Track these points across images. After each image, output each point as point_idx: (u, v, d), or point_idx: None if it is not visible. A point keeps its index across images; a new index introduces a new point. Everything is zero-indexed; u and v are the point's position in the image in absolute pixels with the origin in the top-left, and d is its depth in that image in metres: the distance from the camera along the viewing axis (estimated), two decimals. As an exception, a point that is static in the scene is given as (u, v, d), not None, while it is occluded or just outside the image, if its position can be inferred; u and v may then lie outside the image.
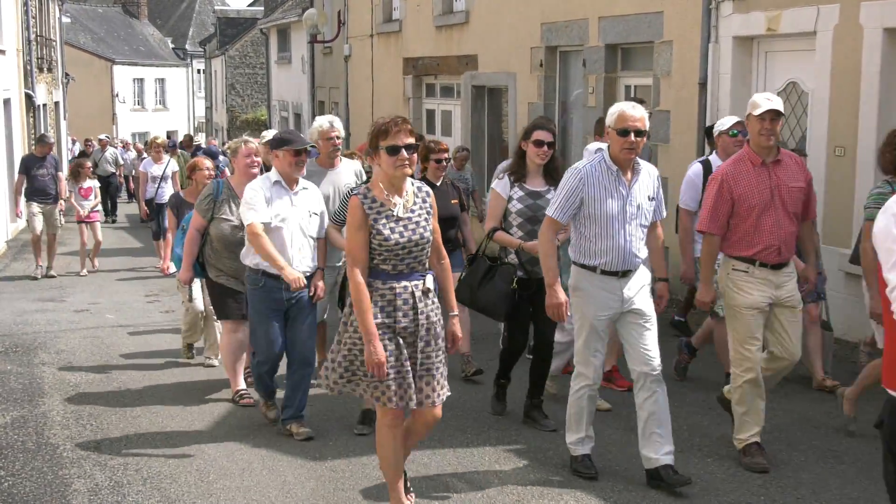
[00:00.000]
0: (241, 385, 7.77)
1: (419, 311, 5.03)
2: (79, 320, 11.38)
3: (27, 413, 7.60)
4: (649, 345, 5.76)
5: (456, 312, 5.32)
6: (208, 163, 9.38)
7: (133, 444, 6.80)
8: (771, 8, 9.73)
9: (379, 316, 4.96)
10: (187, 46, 57.10)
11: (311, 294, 6.79)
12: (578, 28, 13.02)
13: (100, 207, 15.70)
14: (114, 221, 23.95)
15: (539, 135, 6.70)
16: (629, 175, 5.73)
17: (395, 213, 4.98)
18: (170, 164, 15.52)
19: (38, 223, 14.84)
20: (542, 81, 14.10)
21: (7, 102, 20.79)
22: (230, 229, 7.38)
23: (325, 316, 7.94)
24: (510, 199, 6.76)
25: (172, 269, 9.13)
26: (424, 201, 5.15)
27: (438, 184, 8.08)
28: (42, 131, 26.70)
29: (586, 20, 12.81)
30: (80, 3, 54.96)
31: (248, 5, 54.45)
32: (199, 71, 56.55)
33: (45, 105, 27.16)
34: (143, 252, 17.80)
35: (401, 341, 5.00)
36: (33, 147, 25.67)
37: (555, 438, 6.71)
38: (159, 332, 10.63)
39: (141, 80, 53.25)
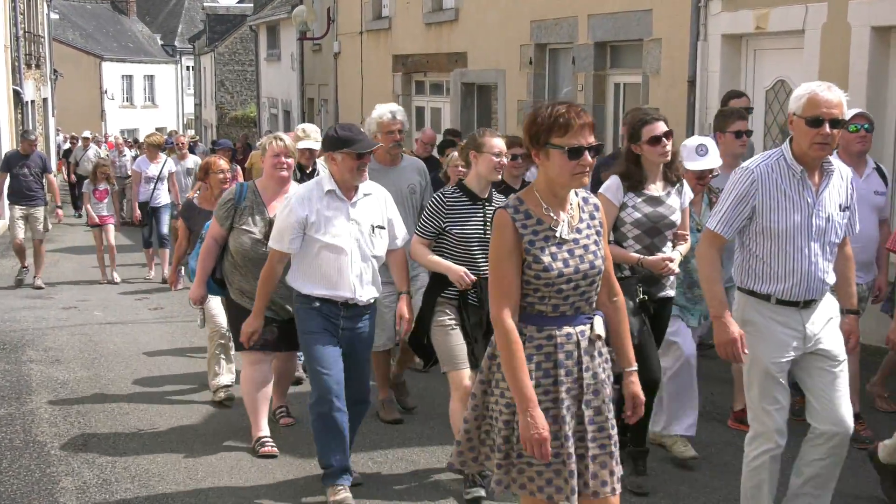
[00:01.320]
0: (264, 430, 6.51)
1: (584, 366, 3.78)
2: (66, 317, 11.35)
3: (14, 411, 7.57)
4: (840, 397, 4.56)
5: (634, 368, 4.05)
6: (223, 163, 8.29)
7: (121, 442, 6.78)
8: (759, 6, 9.75)
9: (534, 375, 3.71)
10: (176, 43, 56.98)
11: (397, 327, 5.82)
12: (568, 26, 13.03)
13: (110, 210, 14.52)
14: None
15: (653, 129, 5.44)
16: (817, 178, 4.51)
17: (557, 235, 3.76)
18: (166, 164, 14.26)
19: (20, 228, 13.56)
20: (532, 79, 14.10)
21: (-5, 99, 20.71)
22: (251, 243, 6.24)
23: (389, 342, 7.03)
24: (623, 206, 5.48)
25: (183, 283, 8.34)
26: (593, 217, 3.89)
27: (517, 188, 6.90)
28: (30, 128, 26.59)
29: (575, 18, 12.82)
30: (69, -1, 54.75)
31: (238, 2, 54.29)
32: (188, 68, 56.40)
33: (33, 102, 27.06)
34: (128, 259, 16.29)
35: (563, 410, 3.75)
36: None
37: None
38: (147, 330, 10.61)
39: (130, 77, 53.11)
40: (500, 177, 5.41)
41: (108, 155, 26.45)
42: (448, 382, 5.63)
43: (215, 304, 7.43)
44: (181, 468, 6.27)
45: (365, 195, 5.61)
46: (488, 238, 4.64)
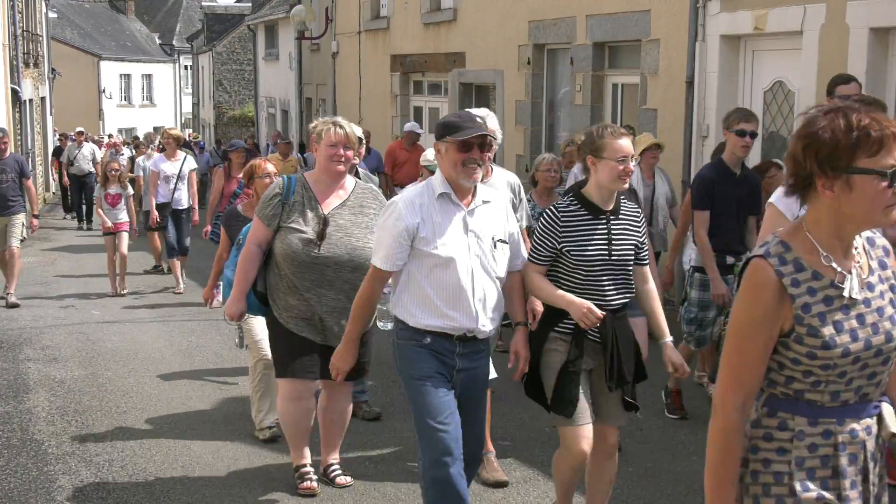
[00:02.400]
0: (306, 458, 5.79)
1: (870, 477, 2.71)
2: (64, 316, 11.35)
3: (12, 409, 7.57)
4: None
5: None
6: (271, 166, 7.05)
7: (118, 441, 6.78)
8: (758, 7, 9.76)
9: (811, 486, 2.65)
10: (174, 42, 56.90)
11: (511, 366, 4.69)
12: (566, 26, 13.03)
13: (127, 218, 13.11)
14: (89, 228, 21.25)
15: None
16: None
17: (845, 295, 2.64)
18: (186, 162, 13.06)
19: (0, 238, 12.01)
20: (530, 79, 14.10)
21: (-7, 97, 20.69)
22: (302, 244, 5.31)
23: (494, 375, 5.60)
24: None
25: (220, 298, 7.13)
26: (884, 266, 2.77)
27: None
28: (29, 127, 26.50)
29: (574, 18, 12.82)
30: (67, -2, 54.71)
31: (236, 1, 54.25)
32: (186, 67, 56.34)
33: (31, 100, 27.01)
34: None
35: None
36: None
37: (539, 437, 6.72)
38: (145, 329, 10.60)
39: (128, 76, 53.04)
40: (626, 185, 4.60)
41: (106, 154, 26.00)
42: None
43: (260, 328, 6.35)
44: (178, 467, 6.27)
45: (484, 202, 4.58)
46: (615, 259, 4.56)
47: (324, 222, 5.35)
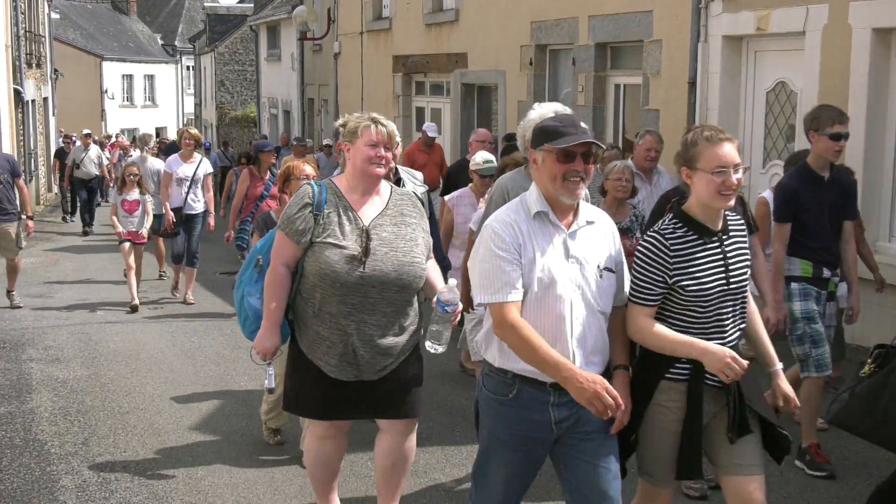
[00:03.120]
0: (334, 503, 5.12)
1: None
2: (67, 316, 11.35)
3: (15, 409, 7.58)
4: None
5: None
6: (308, 168, 6.21)
7: (121, 441, 6.79)
8: (760, 7, 9.76)
9: None
10: (177, 43, 56.95)
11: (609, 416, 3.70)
12: (568, 26, 13.03)
13: (145, 228, 12.11)
14: (86, 234, 20.56)
15: None
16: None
17: None
18: (202, 165, 12.19)
19: None
20: (532, 80, 14.11)
21: (-5, 98, 20.72)
22: (345, 263, 4.46)
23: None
24: None
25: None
26: None
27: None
28: (31, 128, 26.49)
29: (576, 19, 12.82)
30: (69, -2, 54.78)
31: (238, 2, 54.33)
32: (188, 67, 56.38)
33: (33, 101, 27.04)
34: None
35: None
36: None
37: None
38: (147, 329, 10.60)
39: (130, 77, 53.06)
40: (729, 203, 3.82)
41: (111, 156, 25.08)
42: None
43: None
44: (180, 467, 6.28)
45: (588, 223, 3.86)
46: (734, 287, 3.87)
47: (366, 236, 4.51)
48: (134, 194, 12.00)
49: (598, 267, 3.78)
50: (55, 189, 28.33)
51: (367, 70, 20.78)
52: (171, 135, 39.15)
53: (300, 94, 27.51)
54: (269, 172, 10.98)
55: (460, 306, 4.38)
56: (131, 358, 9.24)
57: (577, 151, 3.67)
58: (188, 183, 12.00)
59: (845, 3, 8.76)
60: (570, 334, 3.69)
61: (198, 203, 12.14)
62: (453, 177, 10.27)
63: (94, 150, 21.87)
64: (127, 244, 11.87)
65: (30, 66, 26.31)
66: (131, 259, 11.84)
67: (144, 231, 12.03)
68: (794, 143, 9.69)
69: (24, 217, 11.55)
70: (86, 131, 22.98)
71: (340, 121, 4.78)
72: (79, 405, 7.67)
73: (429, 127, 14.15)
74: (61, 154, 24.04)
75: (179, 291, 12.46)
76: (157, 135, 39.41)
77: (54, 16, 35.93)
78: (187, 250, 12.25)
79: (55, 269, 15.43)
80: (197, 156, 12.23)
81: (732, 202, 3.81)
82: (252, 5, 40.76)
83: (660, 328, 3.82)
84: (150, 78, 54.58)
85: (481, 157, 7.79)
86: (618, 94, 12.62)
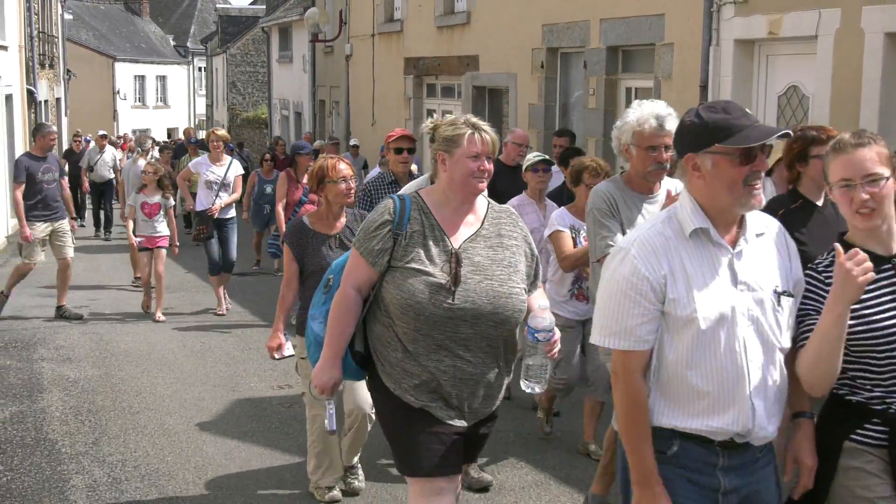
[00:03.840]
0: None
1: None
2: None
3: (26, 408, 7.61)
4: None
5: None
6: (345, 168, 5.64)
7: (131, 441, 6.81)
8: (772, 11, 9.74)
9: None
10: (189, 44, 57.13)
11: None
12: (580, 30, 13.03)
13: (166, 231, 11.45)
14: (107, 238, 19.93)
15: None
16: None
17: None
18: (232, 167, 11.27)
19: (38, 251, 11.12)
20: (543, 83, 14.10)
21: (9, 98, 20.81)
22: (430, 293, 3.75)
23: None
24: None
25: (289, 350, 5.78)
26: None
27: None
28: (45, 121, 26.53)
29: (587, 22, 12.81)
30: (83, 0, 55.02)
31: (250, 3, 54.49)
32: (200, 69, 56.53)
33: (46, 101, 27.14)
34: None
35: None
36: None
37: (551, 441, 6.73)
38: (158, 329, 10.62)
39: (142, 78, 53.23)
40: (868, 223, 3.13)
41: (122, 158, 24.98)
42: None
43: (360, 386, 5.35)
44: (190, 468, 6.29)
45: (757, 235, 3.13)
46: None
47: (456, 261, 3.79)
48: (156, 197, 11.25)
49: (775, 291, 3.07)
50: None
51: (378, 72, 20.80)
52: (181, 135, 39.24)
53: (311, 96, 27.54)
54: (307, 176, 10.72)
55: (557, 333, 3.79)
56: (142, 358, 9.27)
57: (759, 151, 2.99)
58: (218, 186, 11.15)
59: (858, 7, 8.74)
60: (748, 380, 2.98)
61: (230, 207, 11.43)
62: (499, 181, 9.56)
63: (109, 152, 20.80)
64: (144, 254, 11.28)
65: (43, 66, 26.41)
66: (147, 270, 11.36)
67: (163, 239, 11.28)
68: (805, 147, 9.66)
69: (69, 217, 11.53)
70: (101, 132, 21.79)
71: (429, 124, 4.11)
72: (90, 405, 7.70)
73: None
74: (69, 155, 22.03)
75: (221, 306, 11.54)
76: (169, 135, 39.52)
77: (67, 17, 36.07)
78: (224, 259, 11.39)
79: (67, 269, 15.45)
80: (226, 157, 11.35)
81: (869, 223, 3.10)
82: (264, 7, 40.85)
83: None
84: (162, 79, 54.75)
85: (532, 156, 7.37)
86: (629, 98, 12.59)
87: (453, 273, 3.77)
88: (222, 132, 11.60)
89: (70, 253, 11.31)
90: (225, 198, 11.18)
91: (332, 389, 3.99)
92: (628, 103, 12.54)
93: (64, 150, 24.91)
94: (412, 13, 18.86)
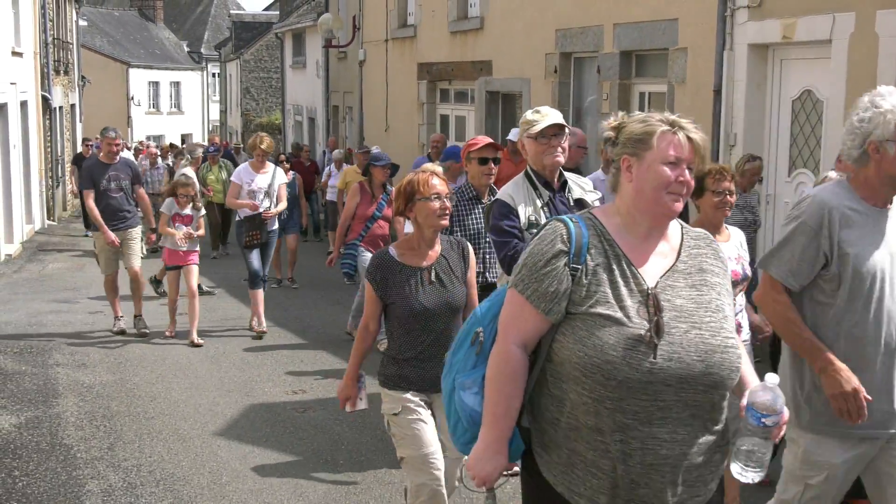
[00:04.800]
0: None
1: None
2: (93, 322, 11.43)
3: (41, 414, 7.64)
4: None
5: None
6: (439, 183, 4.66)
7: (146, 446, 6.83)
8: (786, 16, 9.72)
9: None
10: (202, 50, 57.35)
11: None
12: (593, 34, 13.02)
13: (197, 246, 10.68)
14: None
15: None
16: None
17: None
18: (276, 176, 10.60)
19: (115, 260, 10.65)
20: (557, 88, 14.10)
21: (24, 104, 20.93)
22: (624, 348, 2.79)
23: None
24: None
25: (362, 404, 4.86)
26: None
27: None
28: (59, 134, 26.68)
29: (601, 27, 12.81)
30: (97, 6, 55.21)
31: (264, 9, 54.63)
32: (214, 74, 56.76)
33: (61, 107, 27.28)
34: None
35: None
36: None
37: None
38: (173, 335, 10.65)
39: (156, 84, 53.43)
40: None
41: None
42: None
43: (413, 430, 4.59)
44: (205, 472, 6.31)
45: None
46: None
47: (654, 304, 2.83)
48: (187, 209, 10.53)
49: None
50: (75, 194, 26.12)
51: (391, 77, 20.83)
52: (197, 139, 39.32)
53: (325, 102, 27.59)
54: (382, 189, 9.80)
55: (786, 415, 2.88)
56: (157, 363, 9.30)
57: None
58: (261, 195, 10.43)
59: (872, 11, 8.72)
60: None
61: (274, 218, 10.73)
62: None
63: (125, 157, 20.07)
64: (174, 272, 10.54)
65: (57, 72, 26.55)
66: (176, 290, 10.57)
67: (194, 255, 10.54)
68: (819, 151, 9.65)
69: (148, 228, 10.99)
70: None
71: (613, 121, 3.12)
72: (105, 410, 7.73)
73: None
74: (80, 159, 20.87)
75: (256, 322, 10.70)
76: (183, 141, 39.63)
77: (82, 23, 36.27)
78: (250, 268, 10.67)
79: (80, 274, 15.53)
80: (269, 165, 10.63)
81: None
82: (278, 13, 41.01)
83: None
84: (176, 85, 54.94)
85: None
86: (642, 103, 12.59)
87: (654, 321, 2.80)
88: (268, 142, 10.65)
89: (135, 263, 10.65)
90: (280, 206, 10.61)
91: (494, 480, 3.03)
92: (642, 108, 12.56)
93: (73, 155, 24.72)
94: (426, 18, 18.88)
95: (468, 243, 4.85)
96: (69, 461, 6.53)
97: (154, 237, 10.96)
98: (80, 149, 26.05)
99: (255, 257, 10.51)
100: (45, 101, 23.86)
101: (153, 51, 54.48)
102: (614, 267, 2.88)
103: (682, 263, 2.96)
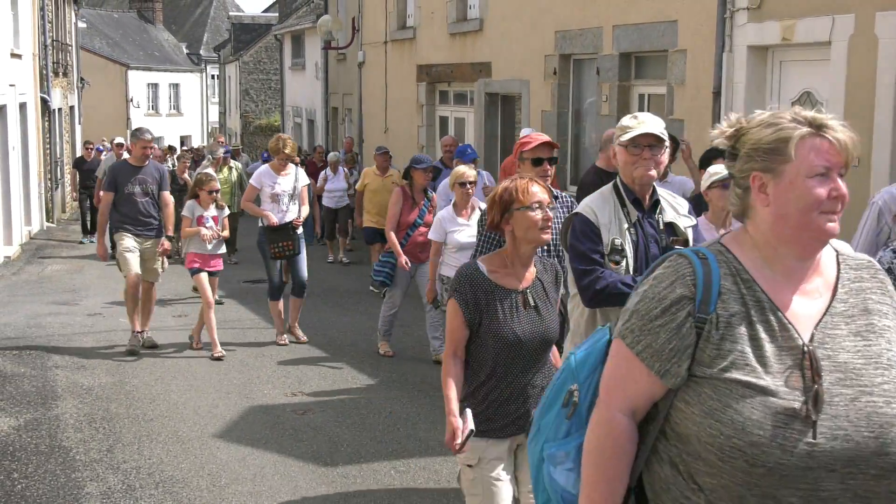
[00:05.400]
0: None
1: None
2: (92, 324, 11.42)
3: (40, 416, 7.63)
4: None
5: None
6: (539, 191, 4.04)
7: (145, 448, 6.82)
8: (786, 17, 9.72)
9: None
10: (202, 52, 57.34)
11: None
12: (592, 36, 13.02)
13: (221, 248, 10.07)
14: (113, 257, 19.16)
15: None
16: None
17: None
18: (300, 177, 10.00)
19: (136, 261, 9.76)
20: (556, 89, 14.10)
21: (23, 106, 20.92)
22: (771, 420, 2.15)
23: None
24: None
25: (470, 423, 3.92)
26: None
27: None
28: (58, 136, 26.69)
29: (600, 28, 12.81)
30: (96, 8, 55.26)
31: (263, 11, 54.65)
32: (213, 76, 56.74)
33: (60, 109, 27.28)
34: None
35: None
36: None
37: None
38: (172, 337, 10.65)
39: (155, 86, 53.41)
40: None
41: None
42: None
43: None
44: (204, 475, 6.30)
45: None
46: None
47: (812, 365, 2.21)
48: (212, 211, 9.86)
49: None
50: (73, 198, 25.68)
51: (391, 79, 20.83)
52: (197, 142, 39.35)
53: (324, 103, 27.61)
54: (423, 194, 9.52)
55: None
56: (156, 365, 9.29)
57: None
58: (285, 198, 9.82)
59: (872, 13, 8.72)
60: None
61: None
62: (589, 190, 8.27)
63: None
64: (204, 275, 9.72)
65: (56, 74, 26.55)
66: (210, 293, 9.73)
67: (218, 260, 9.95)
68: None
69: (164, 236, 10.04)
70: (118, 140, 19.47)
71: (726, 125, 2.52)
72: (104, 412, 7.72)
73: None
74: (80, 163, 20.80)
75: (281, 336, 10.24)
76: (182, 143, 39.65)
77: (81, 25, 36.28)
78: (295, 280, 10.17)
79: (80, 276, 15.52)
80: (291, 167, 9.97)
81: None
82: (277, 14, 41.02)
83: None
84: (176, 87, 54.93)
85: (714, 170, 5.55)
86: (642, 104, 12.59)
87: (813, 389, 2.16)
88: (292, 145, 9.93)
89: (152, 277, 9.99)
90: (295, 211, 9.90)
91: None
92: (641, 110, 12.57)
93: (75, 158, 23.92)
94: (425, 20, 18.89)
95: (559, 266, 4.32)
96: (68, 463, 6.52)
97: (168, 245, 10.12)
98: (80, 152, 26.09)
99: (275, 269, 10.04)
100: (44, 103, 23.86)
101: (152, 52, 54.48)
102: (755, 317, 2.25)
103: (841, 303, 2.31)
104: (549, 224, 3.97)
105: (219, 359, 9.42)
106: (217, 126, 53.48)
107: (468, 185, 8.38)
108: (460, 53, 17.33)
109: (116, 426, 7.35)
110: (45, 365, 9.32)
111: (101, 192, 10.09)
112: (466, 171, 8.49)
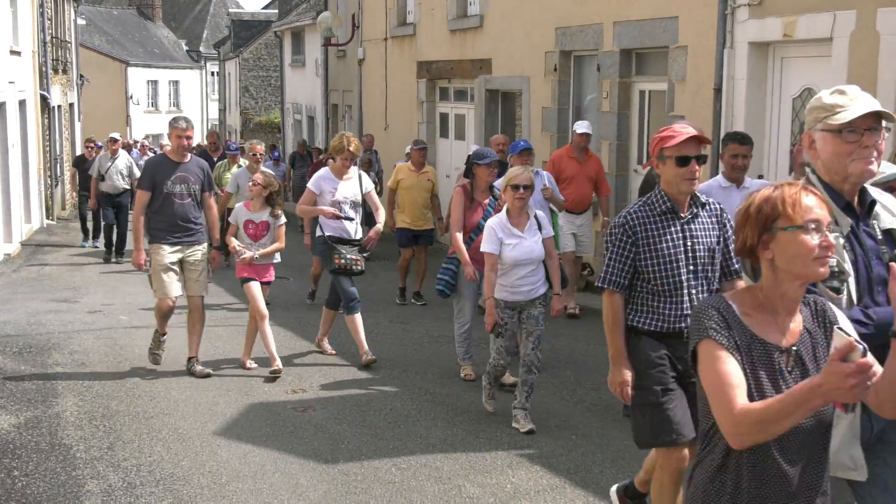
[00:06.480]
0: None
1: None
2: (92, 321, 11.41)
3: (41, 413, 7.61)
4: None
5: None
6: (815, 204, 2.74)
7: (146, 446, 6.81)
8: (787, 14, 9.70)
9: None
10: (201, 48, 57.32)
11: None
12: (593, 32, 13.01)
13: (278, 257, 9.07)
14: (119, 262, 16.48)
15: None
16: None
17: None
18: (364, 181, 9.14)
19: (175, 282, 8.64)
20: (556, 86, 14.09)
21: (22, 104, 20.91)
22: None
23: None
24: None
25: None
26: None
27: None
28: (57, 133, 26.67)
29: (601, 25, 12.80)
30: (95, 5, 55.18)
31: (263, 8, 54.63)
32: (212, 73, 56.71)
33: (59, 106, 27.27)
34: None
35: None
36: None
37: (566, 444, 6.71)
38: (172, 335, 10.62)
39: (155, 82, 53.41)
40: None
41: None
42: None
43: None
44: (205, 472, 6.29)
45: None
46: None
47: None
48: (264, 214, 8.82)
49: None
50: (73, 198, 24.59)
51: (391, 76, 20.81)
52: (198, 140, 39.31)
53: (324, 100, 27.59)
54: (489, 192, 8.34)
55: None
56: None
57: None
58: (348, 206, 8.93)
59: (873, 9, 8.70)
60: None
61: (351, 225, 9.06)
62: (652, 187, 7.24)
63: (122, 158, 17.44)
64: (253, 284, 8.74)
65: (56, 71, 26.53)
66: (262, 304, 8.72)
67: (269, 270, 8.95)
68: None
69: (210, 245, 8.96)
70: (113, 135, 18.14)
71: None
72: (104, 410, 7.71)
73: (580, 124, 11.31)
74: (81, 162, 19.38)
75: (324, 345, 9.63)
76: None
77: (80, 22, 36.23)
78: (345, 293, 9.07)
79: (80, 273, 15.51)
80: (353, 169, 9.03)
81: None
82: (276, 11, 40.96)
83: None
84: (175, 83, 54.92)
85: (889, 169, 4.46)
86: (643, 101, 12.58)
87: None
88: (356, 143, 8.94)
89: (199, 290, 8.76)
90: (381, 216, 9.22)
91: None
92: (642, 106, 12.58)
93: (75, 157, 22.62)
94: (425, 17, 18.87)
95: (832, 309, 2.87)
96: (69, 461, 6.51)
97: (219, 256, 9.26)
98: (80, 149, 25.87)
99: (347, 282, 9.00)
100: (44, 100, 23.84)
101: (152, 49, 54.47)
102: None
103: None
104: (831, 253, 2.70)
105: (276, 373, 8.52)
106: (216, 123, 53.43)
107: (521, 189, 6.87)
108: (460, 50, 17.31)
109: (117, 424, 7.34)
110: (46, 362, 9.31)
111: (137, 191, 8.86)
112: (520, 172, 6.97)
